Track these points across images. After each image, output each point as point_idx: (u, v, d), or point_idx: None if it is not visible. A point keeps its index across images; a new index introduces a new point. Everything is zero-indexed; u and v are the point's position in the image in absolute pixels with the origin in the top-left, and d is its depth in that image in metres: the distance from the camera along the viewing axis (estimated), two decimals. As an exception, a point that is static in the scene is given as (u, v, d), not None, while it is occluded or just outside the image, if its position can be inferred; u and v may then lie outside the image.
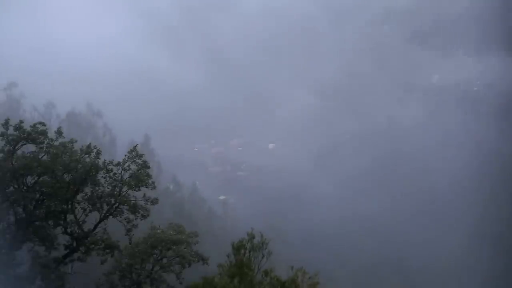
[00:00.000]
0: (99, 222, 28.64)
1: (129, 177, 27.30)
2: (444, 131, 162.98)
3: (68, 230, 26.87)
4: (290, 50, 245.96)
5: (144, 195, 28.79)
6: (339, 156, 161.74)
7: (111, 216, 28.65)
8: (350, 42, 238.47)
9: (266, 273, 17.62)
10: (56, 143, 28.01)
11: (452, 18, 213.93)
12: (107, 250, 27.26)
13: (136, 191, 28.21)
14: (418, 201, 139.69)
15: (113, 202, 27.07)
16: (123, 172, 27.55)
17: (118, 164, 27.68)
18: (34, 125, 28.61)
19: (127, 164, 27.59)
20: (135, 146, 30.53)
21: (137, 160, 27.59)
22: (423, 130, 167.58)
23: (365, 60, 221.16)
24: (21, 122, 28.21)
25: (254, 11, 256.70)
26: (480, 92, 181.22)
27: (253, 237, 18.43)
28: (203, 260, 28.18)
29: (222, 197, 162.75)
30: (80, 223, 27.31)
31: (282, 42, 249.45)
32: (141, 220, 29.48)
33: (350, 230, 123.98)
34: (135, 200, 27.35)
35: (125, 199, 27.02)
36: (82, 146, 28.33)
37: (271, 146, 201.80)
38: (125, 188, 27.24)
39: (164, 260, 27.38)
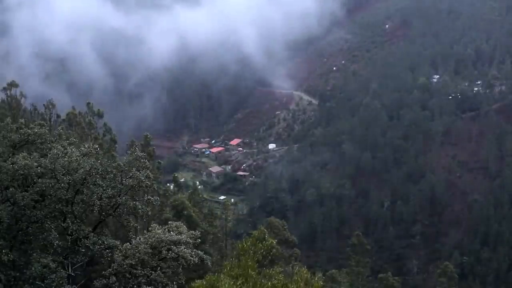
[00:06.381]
0: (99, 223, 28.66)
1: (129, 177, 27.24)
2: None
3: (68, 231, 26.80)
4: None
5: (145, 196, 28.83)
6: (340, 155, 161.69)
7: (111, 217, 28.65)
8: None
9: (269, 274, 17.51)
10: (56, 145, 28.08)
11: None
12: (107, 251, 27.20)
13: (137, 190, 28.18)
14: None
15: (113, 203, 27.01)
16: (123, 173, 27.50)
17: (118, 165, 27.65)
18: (34, 126, 28.66)
19: (126, 166, 27.53)
20: (135, 146, 30.52)
21: (137, 162, 27.52)
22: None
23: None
24: (21, 123, 28.20)
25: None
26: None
27: (259, 238, 18.34)
28: (203, 260, 28.18)
29: (222, 197, 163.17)
30: (80, 224, 27.26)
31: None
32: (141, 220, 29.53)
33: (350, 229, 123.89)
34: (135, 202, 27.27)
35: (125, 200, 26.96)
36: (82, 147, 28.35)
37: (271, 146, 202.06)
38: (125, 189, 27.19)
39: (164, 261, 27.34)
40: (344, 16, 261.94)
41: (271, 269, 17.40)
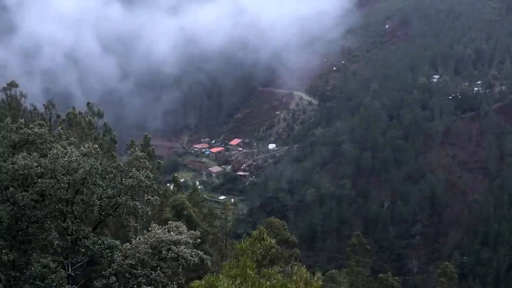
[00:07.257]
0: (99, 223, 28.68)
1: (129, 178, 27.25)
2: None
3: (68, 231, 26.82)
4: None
5: (145, 196, 28.86)
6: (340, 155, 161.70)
7: (111, 217, 28.66)
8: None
9: (268, 274, 17.51)
10: (56, 145, 28.10)
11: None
12: (107, 251, 27.21)
13: (137, 190, 28.19)
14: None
15: (113, 203, 27.03)
16: (123, 173, 27.51)
17: (118, 165, 27.67)
18: (34, 126, 28.73)
19: (126, 166, 27.54)
20: (135, 146, 30.58)
21: (137, 162, 27.54)
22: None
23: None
24: (21, 123, 28.21)
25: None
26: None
27: (258, 238, 18.34)
28: (203, 260, 28.18)
29: (222, 197, 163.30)
30: (80, 224, 27.28)
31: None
32: (141, 220, 29.51)
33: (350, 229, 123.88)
34: (135, 202, 27.27)
35: (125, 200, 26.98)
36: (82, 147, 28.36)
37: (271, 146, 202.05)
38: (125, 189, 27.20)
39: (164, 261, 27.34)
40: (344, 16, 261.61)
41: (270, 269, 17.40)
